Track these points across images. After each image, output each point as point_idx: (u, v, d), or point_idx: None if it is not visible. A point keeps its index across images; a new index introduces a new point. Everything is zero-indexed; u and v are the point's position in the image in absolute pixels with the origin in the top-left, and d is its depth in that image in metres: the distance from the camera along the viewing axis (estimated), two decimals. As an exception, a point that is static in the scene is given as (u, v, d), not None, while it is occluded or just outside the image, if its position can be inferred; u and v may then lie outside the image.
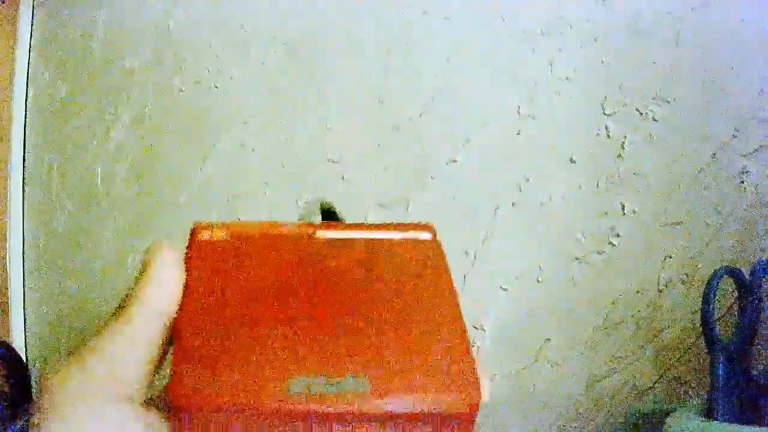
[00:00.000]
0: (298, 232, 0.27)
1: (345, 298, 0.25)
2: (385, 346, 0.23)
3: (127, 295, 0.24)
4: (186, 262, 0.25)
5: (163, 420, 0.22)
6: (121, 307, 0.23)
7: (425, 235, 0.29)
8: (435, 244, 0.29)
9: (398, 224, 0.29)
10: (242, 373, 0.21)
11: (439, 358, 0.23)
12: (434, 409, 0.22)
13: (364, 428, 0.21)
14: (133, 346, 0.22)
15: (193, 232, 0.27)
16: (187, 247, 0.26)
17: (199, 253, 0.26)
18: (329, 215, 0.30)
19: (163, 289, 0.24)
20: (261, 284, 0.25)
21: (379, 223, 0.29)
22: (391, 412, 0.21)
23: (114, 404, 0.21)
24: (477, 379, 0.23)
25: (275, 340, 0.23)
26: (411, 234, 0.29)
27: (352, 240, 0.27)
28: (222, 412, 0.21)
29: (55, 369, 0.22)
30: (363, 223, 0.28)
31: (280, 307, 0.24)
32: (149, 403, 0.23)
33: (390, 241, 0.28)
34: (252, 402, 0.21)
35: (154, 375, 0.23)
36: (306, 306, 0.24)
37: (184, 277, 0.25)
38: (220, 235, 0.27)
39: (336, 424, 0.21)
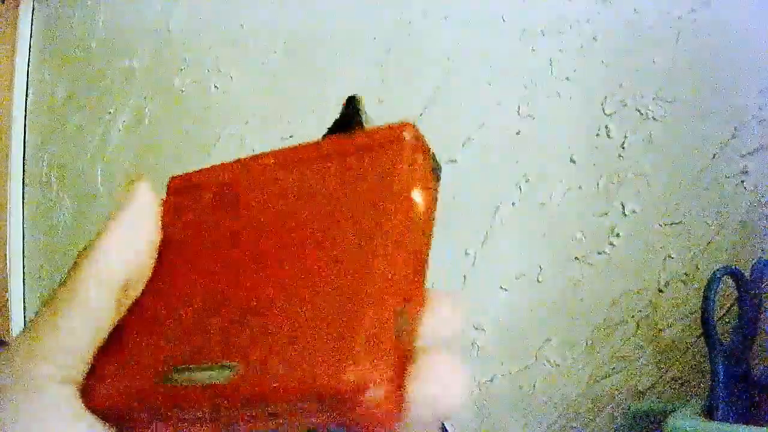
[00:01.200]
0: (251, 169, 0.25)
1: (262, 256, 0.23)
2: (271, 322, 0.21)
3: (79, 254, 0.22)
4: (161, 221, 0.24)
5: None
6: (73, 266, 0.22)
7: (393, 145, 0.23)
8: (402, 152, 0.23)
9: (366, 134, 0.24)
10: (126, 371, 0.22)
11: (322, 331, 0.20)
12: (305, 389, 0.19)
13: (238, 413, 0.20)
14: (79, 327, 0.21)
15: (169, 189, 0.26)
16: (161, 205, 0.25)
17: (167, 210, 0.25)
18: (353, 110, 0.27)
19: (126, 264, 0.22)
20: (189, 244, 0.24)
21: (346, 136, 0.24)
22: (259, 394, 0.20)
23: (53, 386, 0.20)
24: (348, 357, 0.19)
25: (171, 324, 0.22)
26: (377, 147, 0.23)
27: (302, 168, 0.24)
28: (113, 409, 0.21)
29: (11, 343, 0.21)
30: (323, 141, 0.24)
31: (193, 277, 0.23)
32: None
33: (348, 162, 0.23)
34: (131, 400, 0.21)
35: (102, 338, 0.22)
36: (216, 272, 0.23)
37: (157, 233, 0.23)
38: (185, 187, 0.26)
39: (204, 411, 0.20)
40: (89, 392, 0.21)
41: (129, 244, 0.22)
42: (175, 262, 0.24)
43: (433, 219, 0.23)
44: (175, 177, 0.27)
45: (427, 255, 0.22)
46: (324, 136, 0.25)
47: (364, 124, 0.25)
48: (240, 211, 0.24)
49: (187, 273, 0.24)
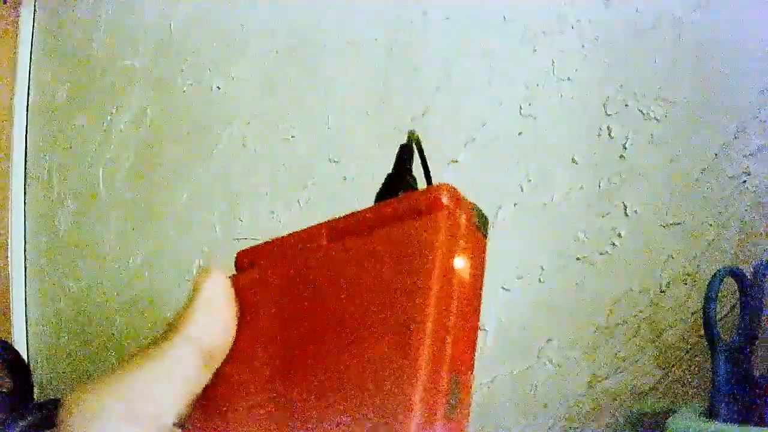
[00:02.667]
0: (305, 251, 0.25)
1: (318, 338, 0.23)
2: (328, 399, 0.21)
3: (172, 322, 0.23)
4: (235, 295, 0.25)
5: None
6: (165, 335, 0.23)
7: (430, 216, 0.22)
8: (437, 224, 0.22)
9: (405, 205, 0.23)
10: None
11: (374, 409, 0.19)
12: None
13: None
14: (169, 379, 0.22)
15: (237, 263, 0.27)
16: (233, 279, 0.26)
17: (236, 286, 0.26)
18: (410, 152, 0.27)
19: (209, 327, 0.23)
20: (255, 336, 0.25)
21: (386, 206, 0.24)
22: None
23: (137, 424, 0.21)
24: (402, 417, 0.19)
25: (239, 405, 0.23)
26: (415, 219, 0.22)
27: (349, 248, 0.24)
28: None
29: (83, 388, 0.21)
30: (368, 212, 0.24)
31: (254, 361, 0.24)
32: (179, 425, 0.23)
33: (389, 236, 0.23)
34: None
35: (189, 406, 0.23)
36: (274, 353, 0.23)
37: (234, 307, 0.24)
38: (250, 262, 0.27)
39: None
40: None
41: (214, 314, 0.23)
42: (245, 337, 0.24)
43: (483, 275, 0.22)
44: (241, 252, 0.27)
45: (477, 321, 0.22)
46: (381, 189, 0.25)
47: (413, 177, 0.25)
48: (296, 288, 0.24)
49: (255, 348, 0.24)
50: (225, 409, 0.24)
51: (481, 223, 0.23)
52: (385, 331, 0.20)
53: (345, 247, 0.24)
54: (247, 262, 0.27)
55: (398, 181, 0.24)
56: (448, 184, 0.22)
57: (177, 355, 0.22)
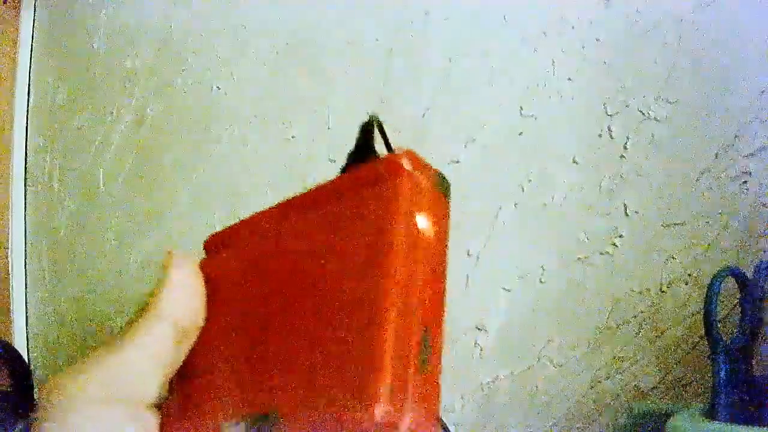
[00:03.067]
0: (263, 231, 0.26)
1: (278, 310, 0.24)
2: (297, 369, 0.21)
3: (143, 305, 0.24)
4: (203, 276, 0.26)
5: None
6: (137, 316, 0.23)
7: (393, 176, 0.22)
8: (399, 187, 0.22)
9: (361, 172, 0.24)
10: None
11: (345, 372, 0.20)
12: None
13: None
14: (145, 357, 0.22)
15: (206, 247, 0.28)
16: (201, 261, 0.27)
17: (204, 269, 0.26)
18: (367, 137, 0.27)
19: (179, 303, 0.24)
20: (220, 311, 0.25)
21: (343, 177, 0.24)
22: None
23: (115, 406, 0.21)
24: (376, 391, 0.19)
25: (212, 385, 0.24)
26: (374, 185, 0.23)
27: (313, 221, 0.24)
28: None
29: (61, 374, 0.22)
30: (325, 185, 0.24)
31: (226, 340, 0.24)
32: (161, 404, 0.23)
33: (348, 206, 0.23)
34: None
35: (170, 380, 0.23)
36: (244, 331, 0.24)
37: (202, 286, 0.25)
38: (216, 246, 0.28)
39: None
40: None
41: (184, 293, 0.24)
42: (215, 318, 0.25)
43: (447, 237, 0.23)
44: (210, 237, 0.28)
45: (444, 275, 0.22)
46: (343, 166, 0.25)
47: (376, 152, 0.25)
48: (262, 266, 0.25)
49: (225, 328, 0.24)
50: (198, 386, 0.24)
51: (443, 187, 0.23)
52: (353, 293, 0.21)
53: (309, 219, 0.24)
54: (215, 246, 0.28)
55: (360, 156, 0.25)
56: (408, 150, 0.23)
57: (151, 333, 0.22)
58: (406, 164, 0.22)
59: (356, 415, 0.18)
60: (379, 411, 0.18)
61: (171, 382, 0.24)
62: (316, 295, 0.22)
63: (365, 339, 0.19)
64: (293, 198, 0.25)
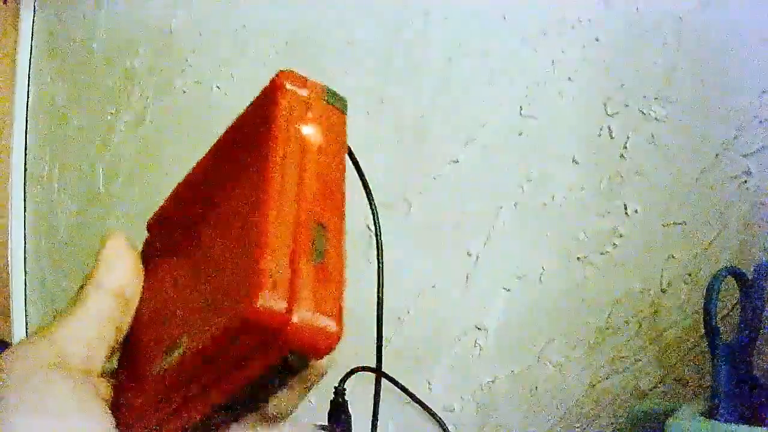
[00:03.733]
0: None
1: (187, 247, 0.25)
2: (199, 296, 0.22)
3: (84, 278, 0.25)
4: (143, 249, 0.28)
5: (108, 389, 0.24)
6: (79, 289, 0.25)
7: (273, 92, 0.23)
8: (279, 93, 0.23)
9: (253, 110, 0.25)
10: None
11: (232, 276, 0.20)
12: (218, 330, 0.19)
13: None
14: (89, 326, 0.24)
15: (147, 227, 0.30)
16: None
17: (147, 245, 0.29)
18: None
19: (115, 272, 0.25)
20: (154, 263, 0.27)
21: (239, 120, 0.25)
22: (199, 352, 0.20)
23: (68, 371, 0.22)
24: (254, 281, 0.18)
25: (140, 340, 0.25)
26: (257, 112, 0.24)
27: (216, 159, 0.26)
28: None
29: (17, 343, 0.23)
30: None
31: (155, 300, 0.26)
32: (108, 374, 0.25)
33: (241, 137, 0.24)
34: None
35: (113, 348, 0.25)
36: (168, 278, 0.26)
37: (136, 257, 0.27)
38: (155, 222, 0.30)
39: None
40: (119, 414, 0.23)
41: (119, 261, 0.26)
42: (152, 282, 0.27)
43: (342, 144, 0.24)
44: (151, 218, 0.30)
45: (341, 180, 0.23)
46: None
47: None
48: (184, 223, 0.27)
49: (157, 292, 0.26)
50: (131, 347, 0.25)
51: (334, 100, 0.24)
52: (242, 208, 0.21)
53: (214, 163, 0.26)
54: (155, 225, 0.30)
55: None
56: (289, 70, 0.24)
57: (93, 300, 0.24)
58: (285, 82, 0.23)
59: (240, 307, 0.18)
60: (264, 297, 0.18)
61: (120, 356, 0.26)
62: (216, 227, 0.23)
63: (249, 241, 0.19)
64: (205, 153, 0.27)
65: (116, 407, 0.23)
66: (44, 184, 1.13)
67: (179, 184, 0.28)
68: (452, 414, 0.71)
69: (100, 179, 1.05)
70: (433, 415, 0.71)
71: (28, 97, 1.16)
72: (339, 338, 0.19)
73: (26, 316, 1.14)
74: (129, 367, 0.25)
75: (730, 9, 0.60)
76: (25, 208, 1.16)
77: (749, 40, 0.60)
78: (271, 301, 0.18)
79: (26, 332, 1.12)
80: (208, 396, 0.20)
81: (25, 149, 1.17)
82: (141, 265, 0.27)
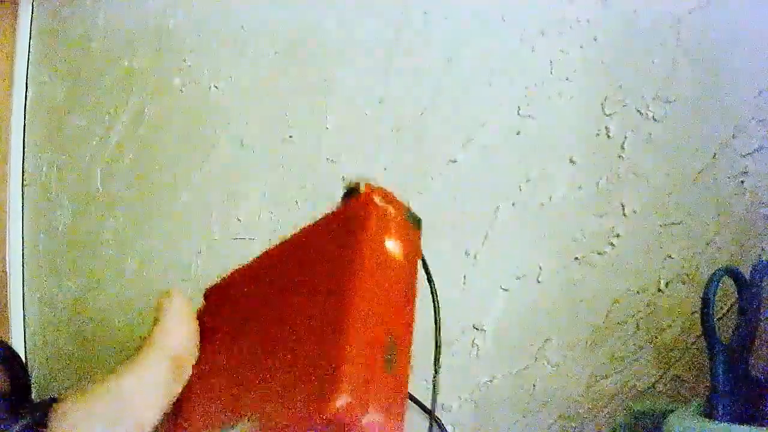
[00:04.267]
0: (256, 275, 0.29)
1: (258, 332, 0.26)
2: (273, 379, 0.23)
3: (142, 340, 0.25)
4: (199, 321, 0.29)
5: None
6: (138, 350, 0.25)
7: (363, 207, 0.25)
8: (369, 210, 0.24)
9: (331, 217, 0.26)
10: None
11: (312, 372, 0.21)
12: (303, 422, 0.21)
13: None
14: (144, 387, 0.24)
15: (205, 297, 0.30)
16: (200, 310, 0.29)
17: (204, 313, 0.29)
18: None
19: (176, 336, 0.26)
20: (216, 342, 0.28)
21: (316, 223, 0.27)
22: None
23: (119, 430, 0.22)
24: (335, 385, 0.20)
25: (201, 404, 0.25)
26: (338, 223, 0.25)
27: (292, 258, 0.27)
28: None
29: (71, 396, 0.23)
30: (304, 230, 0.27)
31: (215, 370, 0.26)
32: None
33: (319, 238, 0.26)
34: None
35: (164, 411, 0.25)
36: (231, 359, 0.26)
37: (196, 324, 0.27)
38: (215, 293, 0.30)
39: None
40: None
41: (180, 330, 0.26)
42: (208, 355, 0.27)
43: (416, 261, 0.25)
44: (209, 288, 0.31)
45: (413, 293, 0.25)
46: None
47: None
48: (250, 306, 0.28)
49: (216, 361, 0.27)
50: (188, 408, 0.26)
51: (412, 219, 0.26)
52: (324, 310, 0.23)
53: (292, 259, 0.27)
54: (212, 295, 0.30)
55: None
56: (379, 187, 0.26)
57: (151, 365, 0.25)
58: (375, 198, 0.25)
59: (319, 406, 0.20)
60: (341, 400, 0.20)
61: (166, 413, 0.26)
62: (293, 318, 0.24)
63: (332, 344, 0.21)
64: (280, 243, 0.28)
65: None
66: (43, 183, 1.13)
67: (249, 264, 0.29)
68: (450, 413, 0.71)
69: (98, 179, 1.05)
70: (431, 414, 0.71)
71: (25, 97, 1.16)
72: None
73: (24, 316, 1.14)
74: (175, 426, 0.26)
75: (729, 9, 0.61)
76: (23, 207, 1.15)
77: (747, 40, 0.60)
78: (349, 403, 0.20)
79: (23, 332, 1.12)
80: None
81: (23, 149, 1.16)
82: (198, 335, 0.27)
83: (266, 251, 0.28)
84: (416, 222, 0.26)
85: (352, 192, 0.27)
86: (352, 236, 0.23)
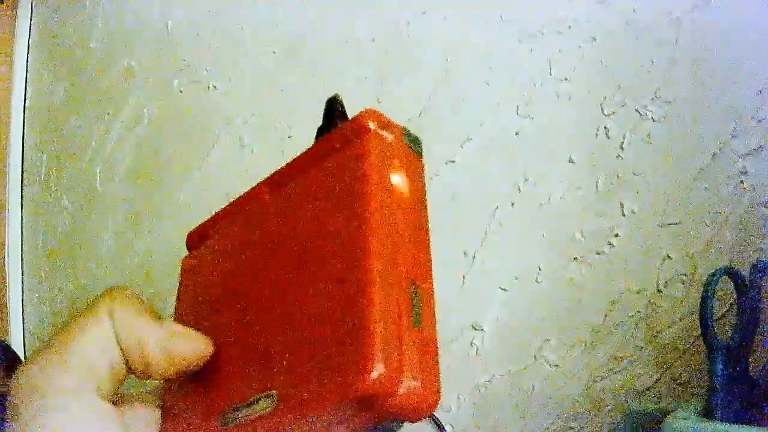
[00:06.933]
0: (246, 211, 0.26)
1: (263, 288, 0.23)
2: (292, 346, 0.21)
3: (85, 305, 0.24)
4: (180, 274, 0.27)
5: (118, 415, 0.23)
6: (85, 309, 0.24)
7: (360, 136, 0.22)
8: (366, 146, 0.22)
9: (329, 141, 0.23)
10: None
11: (337, 340, 0.19)
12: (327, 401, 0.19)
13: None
14: (89, 349, 0.22)
15: (187, 243, 0.28)
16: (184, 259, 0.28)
17: (186, 267, 0.27)
18: (332, 112, 0.26)
19: (117, 293, 0.24)
20: (207, 298, 0.26)
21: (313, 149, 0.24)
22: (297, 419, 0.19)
23: (75, 397, 0.21)
24: (365, 353, 0.18)
25: (211, 372, 0.23)
26: (344, 151, 0.22)
27: (290, 193, 0.24)
28: None
29: (24, 365, 0.22)
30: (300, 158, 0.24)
31: (219, 327, 0.24)
32: (127, 399, 0.24)
33: (321, 173, 0.23)
34: None
35: (125, 374, 0.23)
36: (236, 316, 0.24)
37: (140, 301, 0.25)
38: (198, 238, 0.28)
39: None
40: None
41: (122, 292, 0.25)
42: (205, 307, 0.25)
43: (424, 193, 0.22)
44: (191, 232, 0.28)
45: (427, 233, 0.22)
46: (315, 138, 0.25)
47: (340, 123, 0.24)
48: (245, 249, 0.25)
49: (217, 316, 0.24)
50: (197, 376, 0.24)
51: (413, 143, 0.23)
52: (337, 259, 0.20)
53: (285, 193, 0.24)
54: (196, 239, 0.28)
55: (328, 128, 0.25)
56: (373, 110, 0.22)
57: (98, 321, 0.23)
58: (371, 123, 0.22)
59: (350, 380, 0.18)
60: (375, 371, 0.17)
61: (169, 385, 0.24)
62: (302, 268, 0.22)
63: (354, 302, 0.19)
64: (271, 175, 0.25)
65: None
66: (42, 183, 1.13)
67: (235, 202, 0.26)
68: (449, 413, 0.71)
69: (97, 179, 1.05)
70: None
71: (25, 97, 1.16)
72: (437, 404, 0.19)
73: (23, 316, 1.14)
74: (185, 395, 0.24)
75: (727, 9, 0.60)
76: (22, 207, 1.16)
77: (746, 40, 0.60)
78: (384, 374, 0.18)
79: (23, 332, 1.12)
80: None
81: (23, 149, 1.16)
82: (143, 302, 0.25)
83: (255, 191, 0.25)
84: (417, 145, 0.23)
85: (333, 105, 0.25)
86: (356, 181, 0.21)
